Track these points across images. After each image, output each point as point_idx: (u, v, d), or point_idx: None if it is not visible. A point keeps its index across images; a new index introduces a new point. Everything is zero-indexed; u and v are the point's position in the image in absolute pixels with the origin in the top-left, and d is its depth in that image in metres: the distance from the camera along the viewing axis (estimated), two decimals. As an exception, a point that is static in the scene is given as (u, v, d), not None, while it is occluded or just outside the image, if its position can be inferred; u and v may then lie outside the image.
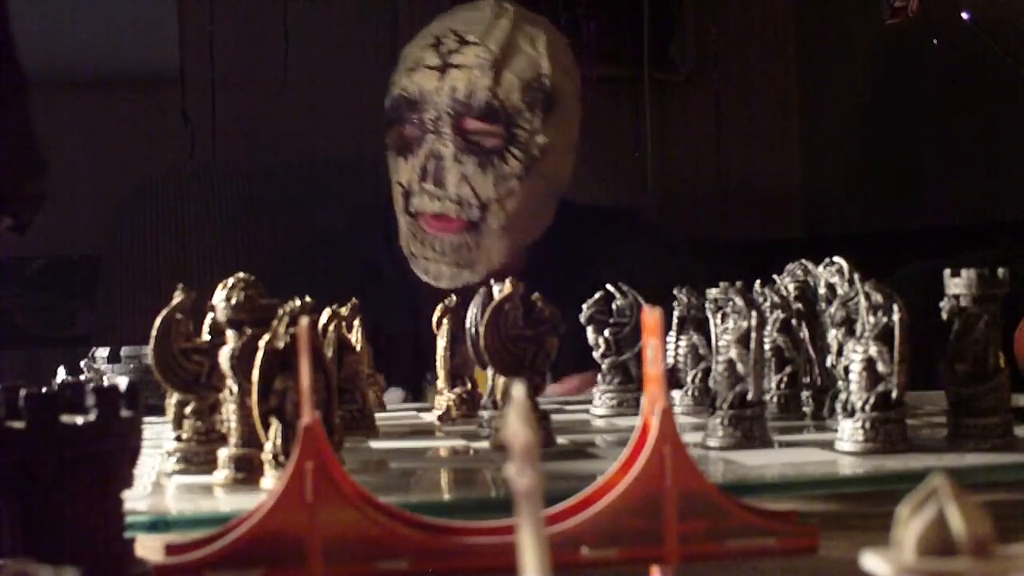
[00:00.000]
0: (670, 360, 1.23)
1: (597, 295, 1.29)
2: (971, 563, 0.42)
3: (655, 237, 1.90)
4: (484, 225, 1.61)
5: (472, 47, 1.61)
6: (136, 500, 0.80)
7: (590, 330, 1.29)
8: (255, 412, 0.81)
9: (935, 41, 2.57)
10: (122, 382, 0.60)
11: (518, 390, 0.42)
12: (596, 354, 1.29)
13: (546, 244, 1.73)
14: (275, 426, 0.81)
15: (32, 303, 2.73)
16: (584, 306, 1.29)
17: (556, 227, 1.73)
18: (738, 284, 1.03)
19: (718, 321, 1.01)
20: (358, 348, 1.19)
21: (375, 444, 1.08)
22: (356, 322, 1.23)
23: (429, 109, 1.61)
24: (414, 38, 1.72)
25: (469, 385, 1.23)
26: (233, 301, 0.87)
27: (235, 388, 0.86)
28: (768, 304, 1.13)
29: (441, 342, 1.25)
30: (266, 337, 0.81)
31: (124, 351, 1.24)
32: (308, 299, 0.87)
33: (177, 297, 0.94)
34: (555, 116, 1.65)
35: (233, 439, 0.87)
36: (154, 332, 0.93)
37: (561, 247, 1.74)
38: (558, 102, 1.66)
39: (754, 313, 0.97)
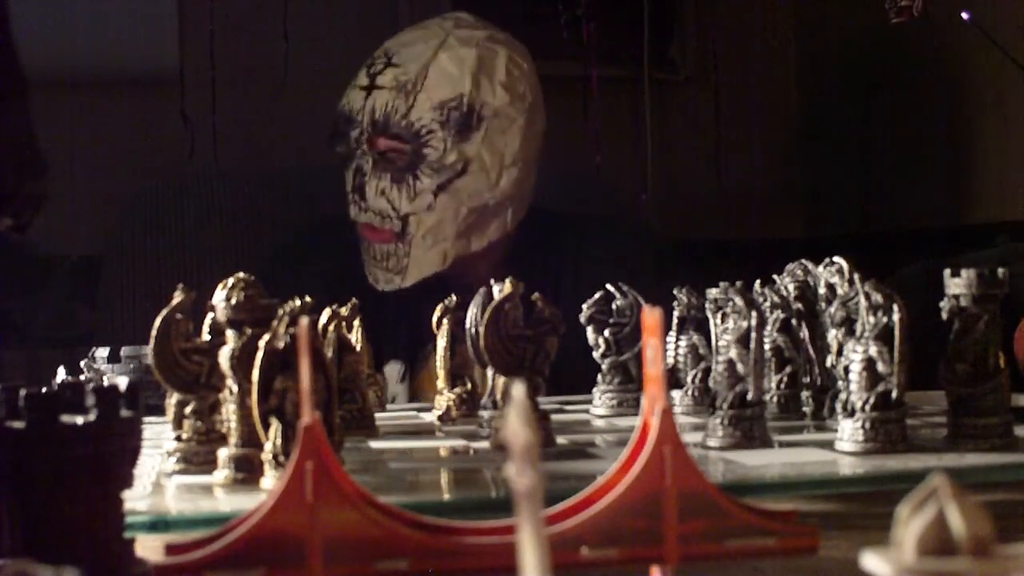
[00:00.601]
0: (670, 360, 1.23)
1: (597, 295, 1.29)
2: (971, 563, 0.42)
3: (628, 240, 1.97)
4: (407, 236, 1.72)
5: (393, 69, 1.72)
6: (136, 500, 0.80)
7: (590, 330, 1.29)
8: (255, 412, 0.81)
9: (935, 41, 2.57)
10: (122, 382, 0.60)
11: (518, 390, 0.42)
12: (596, 354, 1.29)
13: (506, 250, 1.83)
14: (275, 426, 0.81)
15: (32, 303, 2.73)
16: (584, 306, 1.29)
17: (520, 234, 1.83)
18: (738, 284, 1.03)
19: (718, 321, 1.01)
20: (358, 348, 1.19)
21: (375, 444, 1.08)
22: (356, 322, 1.24)
23: (355, 126, 1.73)
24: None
25: (469, 385, 1.23)
26: (233, 301, 0.87)
27: (235, 388, 0.86)
28: (768, 304, 1.13)
29: (441, 342, 1.25)
30: (266, 337, 0.81)
31: (124, 351, 1.24)
32: (308, 299, 0.87)
33: (177, 297, 0.94)
34: (478, 134, 1.72)
35: (233, 439, 0.87)
36: (154, 332, 0.93)
37: (524, 253, 1.81)
38: (483, 120, 1.73)
39: (754, 313, 0.97)
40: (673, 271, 1.56)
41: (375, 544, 0.60)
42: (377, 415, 1.18)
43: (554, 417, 1.10)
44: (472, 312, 1.11)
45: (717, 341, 1.00)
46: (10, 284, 2.56)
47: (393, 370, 1.52)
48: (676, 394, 1.23)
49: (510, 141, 1.75)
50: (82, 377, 1.18)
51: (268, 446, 0.82)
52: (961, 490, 0.43)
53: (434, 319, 1.26)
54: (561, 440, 1.05)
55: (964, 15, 2.33)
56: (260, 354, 0.81)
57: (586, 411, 1.29)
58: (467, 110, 1.71)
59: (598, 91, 2.97)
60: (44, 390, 0.57)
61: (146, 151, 2.79)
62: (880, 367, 0.93)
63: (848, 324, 0.98)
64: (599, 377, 1.29)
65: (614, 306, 1.29)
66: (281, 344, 0.80)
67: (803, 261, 1.15)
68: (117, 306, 2.31)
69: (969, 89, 2.68)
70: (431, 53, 1.73)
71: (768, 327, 1.12)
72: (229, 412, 0.88)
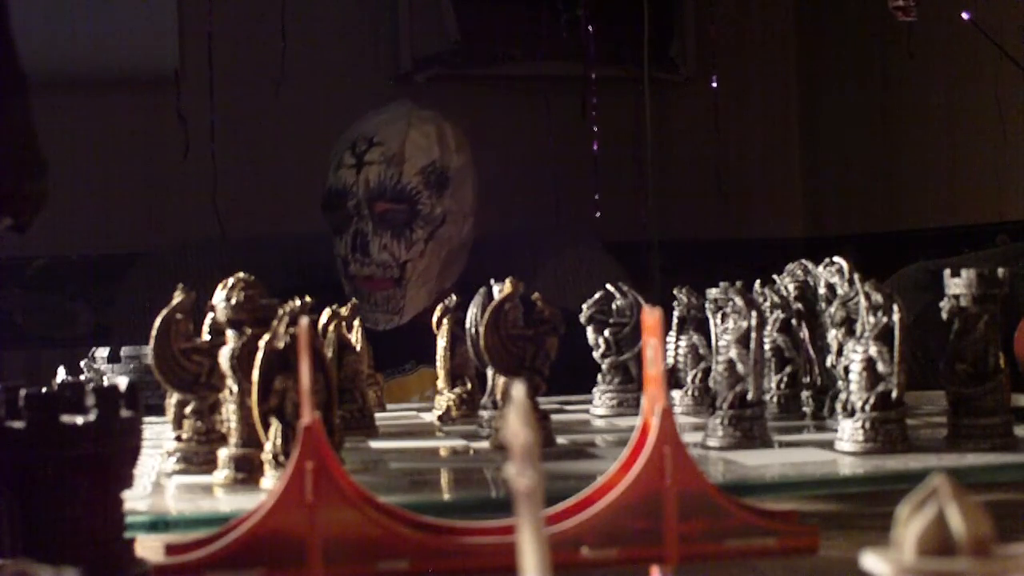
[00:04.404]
0: (670, 360, 1.23)
1: (597, 295, 1.29)
2: (971, 563, 0.42)
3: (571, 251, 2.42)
4: (404, 280, 2.06)
5: (378, 147, 2.08)
6: (136, 500, 0.80)
7: (590, 330, 1.29)
8: (255, 412, 0.81)
9: (934, 41, 2.57)
10: (122, 382, 0.60)
11: (518, 390, 0.42)
12: (596, 354, 1.29)
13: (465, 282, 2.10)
14: (275, 426, 0.81)
15: (32, 303, 2.73)
16: (584, 306, 1.29)
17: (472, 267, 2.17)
18: (738, 284, 1.03)
19: (718, 321, 1.01)
20: (358, 348, 1.19)
21: (375, 444, 1.08)
22: (356, 322, 1.23)
23: (351, 198, 2.06)
24: (338, 142, 2.15)
25: (469, 385, 1.23)
26: (233, 301, 0.87)
27: (235, 388, 0.86)
28: (768, 304, 1.13)
29: (441, 342, 1.24)
30: (266, 337, 0.81)
31: (124, 351, 1.24)
32: (308, 299, 0.87)
33: (177, 297, 0.94)
34: (449, 190, 2.10)
35: (233, 439, 0.87)
36: (154, 332, 0.93)
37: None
38: (451, 179, 2.11)
39: (754, 313, 0.97)
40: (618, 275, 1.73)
41: (375, 544, 0.60)
42: (377, 415, 1.18)
43: (554, 417, 1.10)
44: (472, 312, 1.11)
45: (717, 341, 1.00)
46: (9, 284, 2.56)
47: None
48: (676, 394, 1.23)
49: (467, 193, 2.13)
50: (82, 377, 1.18)
51: (268, 446, 0.82)
52: (961, 490, 0.43)
53: (434, 319, 1.26)
54: (561, 440, 1.05)
55: (964, 15, 2.33)
56: (260, 354, 0.81)
57: (586, 411, 1.29)
58: (440, 172, 2.10)
59: (598, 91, 2.97)
60: (44, 390, 0.57)
61: (146, 151, 2.79)
62: (880, 367, 0.93)
63: (848, 324, 0.98)
64: (599, 377, 1.29)
65: (614, 306, 1.29)
66: (281, 344, 0.80)
67: (803, 261, 1.15)
68: (117, 306, 2.36)
69: (969, 88, 2.68)
70: (404, 130, 2.10)
71: (768, 327, 1.12)
72: (229, 412, 0.88)
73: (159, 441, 1.00)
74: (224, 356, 0.87)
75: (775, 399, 1.13)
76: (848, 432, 0.94)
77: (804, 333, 1.13)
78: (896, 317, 0.93)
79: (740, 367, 0.98)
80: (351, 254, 2.06)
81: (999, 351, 0.96)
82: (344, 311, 1.19)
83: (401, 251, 2.05)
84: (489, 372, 1.09)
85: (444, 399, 1.23)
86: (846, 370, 0.96)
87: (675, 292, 1.25)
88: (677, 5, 3.12)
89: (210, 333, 0.93)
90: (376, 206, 2.05)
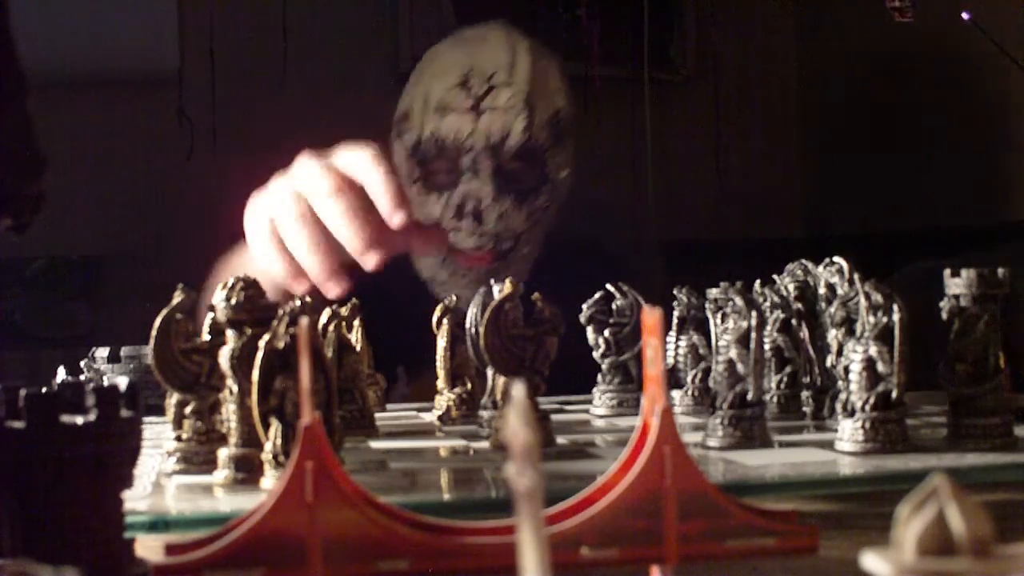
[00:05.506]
0: (670, 360, 1.23)
1: (597, 295, 1.29)
2: (971, 563, 0.42)
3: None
4: (513, 254, 1.68)
5: (503, 89, 1.66)
6: (136, 500, 0.80)
7: (590, 330, 1.29)
8: (255, 412, 0.81)
9: (935, 41, 2.57)
10: (122, 382, 0.60)
11: (518, 390, 0.42)
12: (596, 354, 1.29)
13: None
14: (275, 426, 0.81)
15: (32, 303, 2.73)
16: (584, 306, 1.29)
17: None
18: (738, 284, 1.03)
19: (718, 321, 1.01)
20: (358, 348, 1.19)
21: (375, 444, 1.08)
22: (356, 322, 1.23)
23: (465, 152, 1.66)
24: (426, 64, 1.73)
25: (469, 385, 1.23)
26: (233, 301, 0.87)
27: (235, 388, 0.86)
28: (768, 304, 1.13)
29: (441, 342, 1.24)
30: (266, 337, 0.81)
31: (124, 351, 1.24)
32: (308, 299, 0.87)
33: (177, 297, 0.94)
34: (569, 145, 1.72)
35: (233, 439, 0.87)
36: (154, 332, 0.93)
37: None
38: (570, 132, 1.72)
39: (754, 313, 0.97)
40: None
41: (375, 544, 0.60)
42: (377, 415, 1.18)
43: (554, 417, 1.10)
44: (472, 312, 1.10)
45: (717, 341, 1.00)
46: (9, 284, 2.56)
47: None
48: (676, 394, 1.23)
49: (570, 149, 1.75)
50: (82, 377, 1.18)
51: (268, 446, 0.82)
52: (961, 490, 0.43)
53: (434, 319, 1.26)
54: (561, 440, 1.05)
55: (964, 15, 2.33)
56: (260, 354, 0.81)
57: (586, 411, 1.29)
58: (563, 124, 1.71)
59: (598, 91, 2.97)
60: (44, 390, 0.57)
61: (146, 151, 2.79)
62: (880, 367, 0.93)
63: (848, 324, 0.98)
64: (599, 377, 1.29)
65: (614, 306, 1.29)
66: (281, 344, 0.80)
67: (803, 261, 1.15)
68: (117, 306, 2.32)
69: (969, 89, 2.68)
70: (530, 66, 1.69)
71: (768, 327, 1.12)
72: (229, 412, 0.88)
73: (159, 441, 1.00)
74: (224, 356, 0.87)
75: (775, 399, 1.13)
76: (848, 432, 0.94)
77: (804, 333, 1.13)
78: (896, 317, 0.93)
79: (740, 367, 0.98)
80: (455, 220, 1.66)
81: (999, 351, 0.96)
82: (344, 311, 1.19)
83: (520, 220, 1.68)
84: (489, 372, 1.09)
85: (444, 399, 1.23)
86: (846, 370, 0.96)
87: (675, 292, 1.25)
88: (677, 5, 3.13)
89: (210, 333, 0.93)
90: (501, 164, 1.66)
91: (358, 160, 1.26)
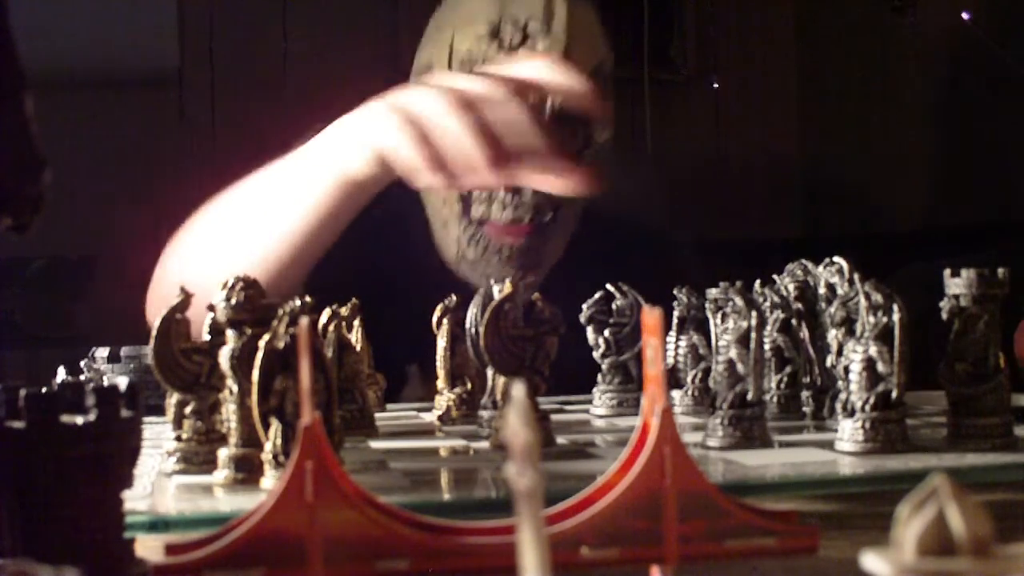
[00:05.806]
0: (670, 360, 1.23)
1: (597, 295, 1.29)
2: (971, 563, 0.42)
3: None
4: (551, 227, 1.51)
5: (539, 39, 1.45)
6: (136, 500, 0.80)
7: (590, 330, 1.29)
8: (255, 412, 0.81)
9: (935, 41, 2.57)
10: (122, 382, 0.60)
11: (518, 390, 0.42)
12: (596, 354, 1.29)
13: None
14: (275, 426, 0.81)
15: (32, 303, 2.73)
16: (584, 306, 1.29)
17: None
18: (738, 284, 1.03)
19: (718, 321, 1.01)
20: (358, 348, 1.19)
21: (375, 444, 1.08)
22: (356, 322, 1.23)
23: None
24: (448, 11, 1.54)
25: (469, 385, 1.23)
26: (233, 301, 0.87)
27: (235, 388, 0.86)
28: (768, 304, 1.12)
29: (441, 342, 1.24)
30: (266, 337, 0.81)
31: (124, 351, 1.24)
32: (308, 299, 0.87)
33: (177, 297, 0.94)
34: (611, 102, 1.50)
35: (233, 439, 0.87)
36: (154, 332, 0.93)
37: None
38: (611, 87, 1.53)
39: (754, 313, 0.97)
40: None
41: (375, 544, 0.60)
42: (377, 415, 1.18)
43: (554, 417, 1.10)
44: (472, 312, 1.10)
45: (717, 341, 1.00)
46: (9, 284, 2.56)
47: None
48: (676, 394, 1.23)
49: (611, 107, 1.51)
50: (82, 377, 1.18)
51: (268, 446, 0.82)
52: (961, 490, 0.43)
53: (434, 319, 1.26)
54: (561, 440, 1.05)
55: (964, 15, 2.33)
56: (260, 354, 0.81)
57: (586, 411, 1.29)
58: (605, 78, 1.48)
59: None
60: (44, 390, 0.57)
61: (146, 151, 2.79)
62: (880, 367, 0.93)
63: (848, 324, 0.98)
64: (599, 377, 1.29)
65: (614, 306, 1.29)
66: (281, 344, 0.80)
67: (803, 261, 1.15)
68: (117, 306, 2.31)
69: (969, 89, 2.68)
70: (566, 12, 1.46)
71: (768, 327, 1.12)
72: (229, 412, 0.88)
73: (159, 441, 0.99)
74: (224, 356, 0.87)
75: (775, 399, 1.13)
76: (848, 432, 0.94)
77: (804, 333, 1.13)
78: (896, 317, 0.93)
79: (740, 367, 0.98)
80: (489, 192, 1.47)
81: (999, 351, 0.96)
82: (344, 311, 1.19)
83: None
84: (489, 372, 1.09)
85: (444, 399, 1.23)
86: (846, 370, 0.96)
87: (675, 292, 1.25)
88: (677, 5, 3.13)
89: (210, 333, 0.93)
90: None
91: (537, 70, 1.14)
